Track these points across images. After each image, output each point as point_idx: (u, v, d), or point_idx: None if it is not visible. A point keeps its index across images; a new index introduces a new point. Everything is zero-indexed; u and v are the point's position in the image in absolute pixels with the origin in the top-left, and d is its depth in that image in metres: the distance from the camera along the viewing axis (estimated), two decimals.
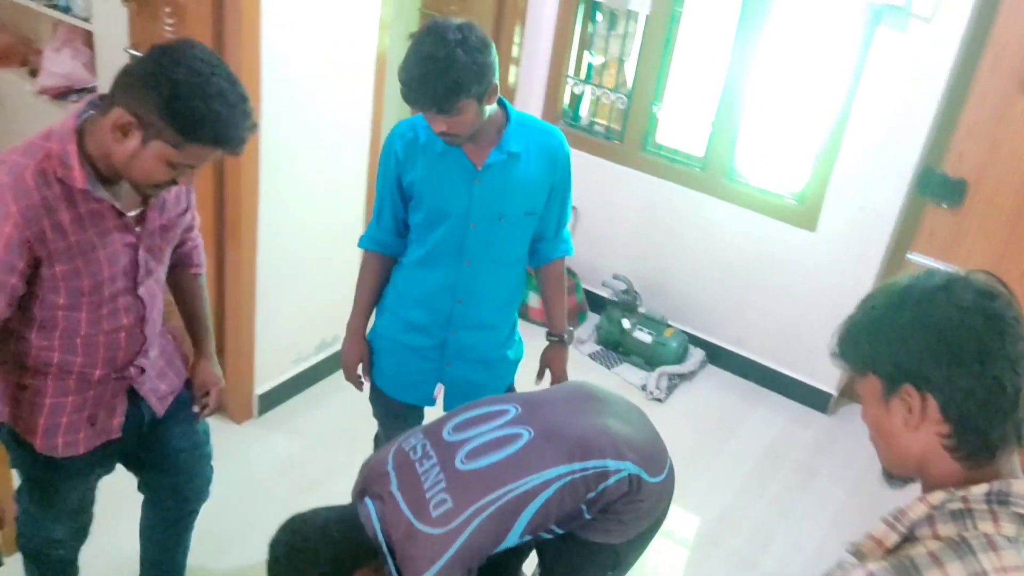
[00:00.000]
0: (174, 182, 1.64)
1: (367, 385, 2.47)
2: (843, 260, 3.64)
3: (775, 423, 3.80)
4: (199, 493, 2.27)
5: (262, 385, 3.28)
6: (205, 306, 2.12)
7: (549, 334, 2.49)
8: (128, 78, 1.57)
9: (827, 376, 3.83)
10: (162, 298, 1.94)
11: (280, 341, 3.27)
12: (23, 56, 4.08)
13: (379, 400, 2.47)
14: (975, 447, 1.07)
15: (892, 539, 1.08)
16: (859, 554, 1.14)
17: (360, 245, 2.36)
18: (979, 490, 1.04)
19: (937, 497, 1.06)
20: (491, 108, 2.06)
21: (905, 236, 3.54)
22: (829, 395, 3.85)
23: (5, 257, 1.56)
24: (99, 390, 1.86)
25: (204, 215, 2.99)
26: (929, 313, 1.06)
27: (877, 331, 1.10)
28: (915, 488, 1.18)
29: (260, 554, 1.87)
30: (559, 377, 2.50)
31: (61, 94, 3.83)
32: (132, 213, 1.72)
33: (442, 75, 1.91)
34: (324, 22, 2.89)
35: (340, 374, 2.47)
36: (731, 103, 3.73)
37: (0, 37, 4.07)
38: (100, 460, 1.98)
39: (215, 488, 2.24)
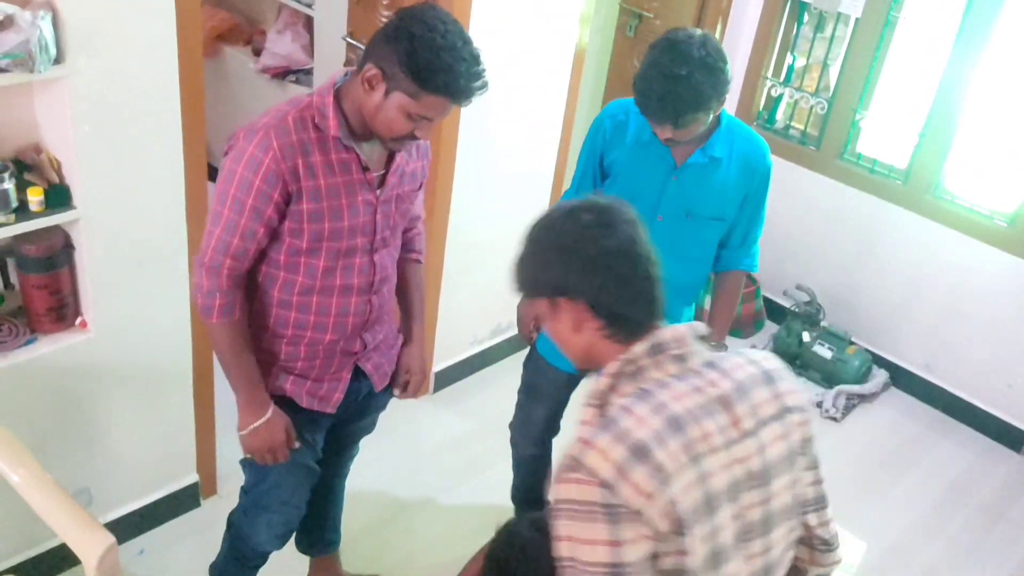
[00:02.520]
0: (414, 136, 1.78)
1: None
2: None
3: (963, 458, 3.57)
4: (353, 454, 2.41)
5: (439, 363, 3.41)
6: (421, 293, 2.20)
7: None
8: (376, 36, 1.73)
9: None
10: (393, 281, 2.05)
11: (459, 323, 3.38)
12: (248, 35, 4.39)
13: (539, 367, 2.49)
14: (626, 330, 1.30)
15: (592, 413, 1.29)
16: (573, 456, 1.23)
17: None
18: (641, 347, 1.29)
19: (613, 367, 1.29)
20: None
21: None
22: None
23: (263, 187, 1.74)
24: (325, 360, 1.98)
25: None
26: (560, 236, 1.31)
27: (531, 260, 1.35)
28: None
29: (425, 522, 1.84)
30: None
31: (280, 74, 4.10)
32: (375, 173, 1.88)
33: (684, 94, 1.92)
34: (527, 15, 2.96)
35: (512, 359, 2.54)
36: (943, 114, 3.51)
37: (228, 17, 4.41)
38: (308, 430, 2.03)
39: (388, 456, 2.36)
